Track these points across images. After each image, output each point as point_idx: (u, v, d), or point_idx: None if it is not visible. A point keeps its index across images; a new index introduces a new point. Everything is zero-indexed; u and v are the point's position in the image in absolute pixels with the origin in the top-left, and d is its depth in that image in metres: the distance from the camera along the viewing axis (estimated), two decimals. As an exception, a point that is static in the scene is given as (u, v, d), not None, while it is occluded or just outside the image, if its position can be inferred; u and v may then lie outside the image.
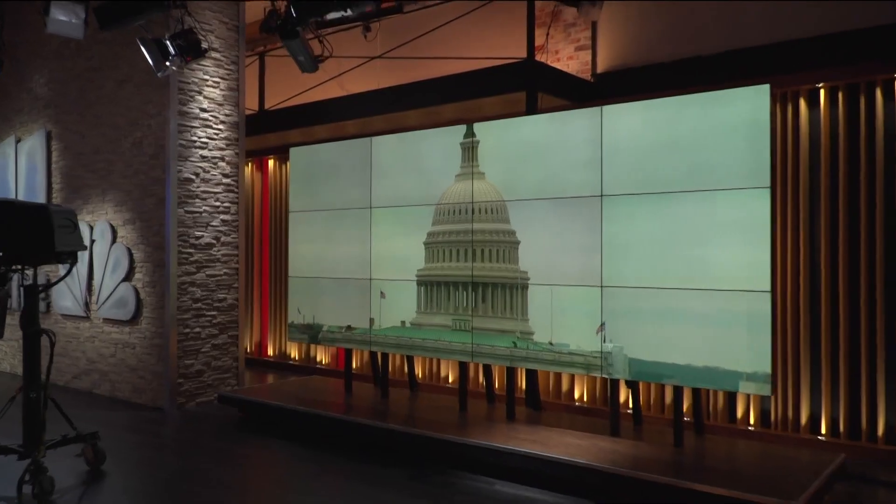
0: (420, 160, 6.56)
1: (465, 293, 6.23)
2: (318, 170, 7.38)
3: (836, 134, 5.95)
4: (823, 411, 5.95)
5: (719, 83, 5.04)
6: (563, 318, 5.63)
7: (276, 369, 9.84)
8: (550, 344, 5.69)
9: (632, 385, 5.66)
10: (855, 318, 5.85)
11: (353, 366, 8.41)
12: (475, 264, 6.15)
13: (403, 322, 6.65)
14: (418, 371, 8.33)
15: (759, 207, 4.76)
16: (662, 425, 6.16)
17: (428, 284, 6.48)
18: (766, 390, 4.74)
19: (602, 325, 5.41)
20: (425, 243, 6.49)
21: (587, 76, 7.45)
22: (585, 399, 7.13)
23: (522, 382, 7.27)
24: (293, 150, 7.70)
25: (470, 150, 6.21)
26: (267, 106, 9.58)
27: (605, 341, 5.40)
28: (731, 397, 6.39)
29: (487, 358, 6.09)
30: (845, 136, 5.90)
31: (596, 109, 5.49)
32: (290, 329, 7.65)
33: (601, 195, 5.43)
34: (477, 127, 6.19)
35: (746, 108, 4.83)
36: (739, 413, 6.34)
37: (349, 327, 7.07)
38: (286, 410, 6.63)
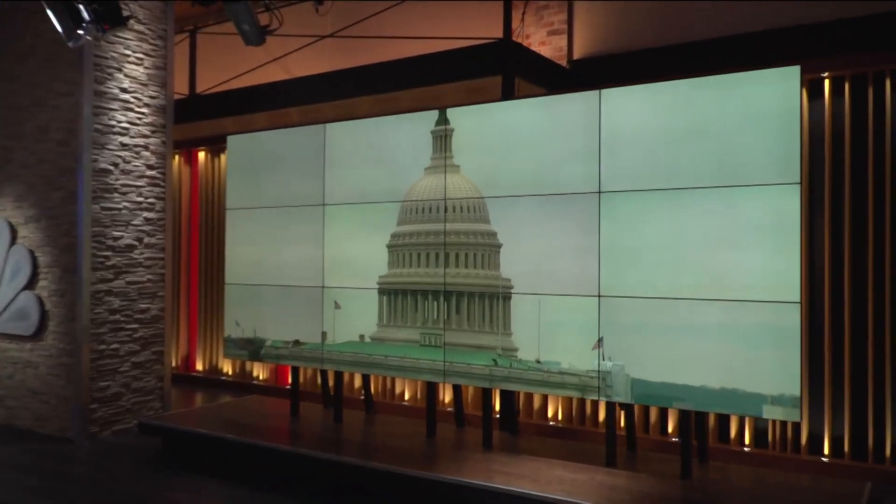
0: (383, 150, 5.72)
1: (436, 304, 5.43)
2: (261, 161, 6.43)
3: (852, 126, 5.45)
4: (826, 430, 5.42)
5: (711, 71, 4.42)
6: (552, 333, 4.90)
7: (206, 387, 8.77)
8: (538, 362, 4.95)
9: (626, 406, 4.99)
10: (861, 330, 5.35)
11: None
12: (448, 270, 5.35)
13: (362, 336, 5.79)
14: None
15: (787, 206, 4.15)
16: (657, 449, 5.51)
17: (392, 293, 5.64)
18: (794, 415, 4.13)
19: (599, 340, 4.70)
20: (389, 246, 5.66)
21: (562, 63, 6.78)
22: (560, 418, 6.43)
23: (496, 401, 6.52)
24: (231, 139, 6.72)
25: (443, 139, 5.42)
26: (199, 90, 8.53)
27: (603, 359, 4.69)
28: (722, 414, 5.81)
29: (462, 378, 5.30)
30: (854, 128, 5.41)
31: (593, 93, 4.79)
32: (226, 344, 6.66)
33: (599, 191, 4.73)
34: (451, 113, 5.40)
35: (772, 93, 4.21)
36: (733, 432, 5.76)
37: (297, 342, 6.16)
38: (220, 441, 5.66)
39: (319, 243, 6.02)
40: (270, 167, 6.37)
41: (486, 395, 5.38)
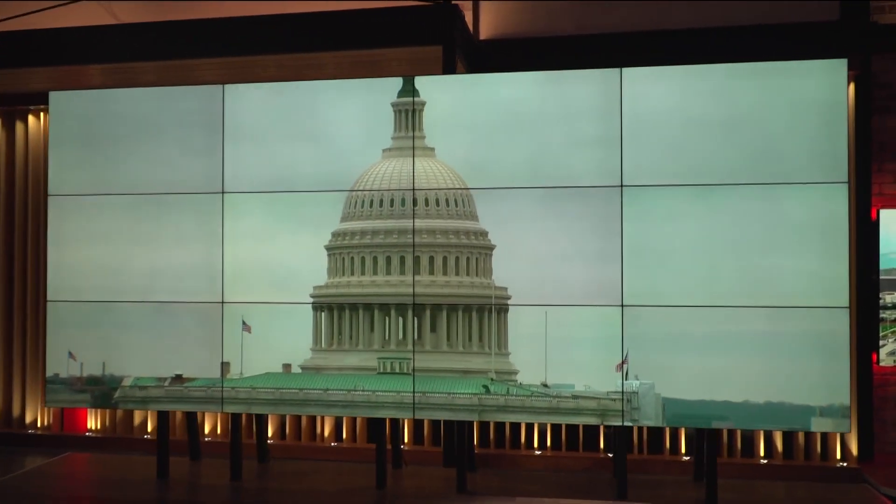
0: (317, 125, 4.42)
1: (401, 320, 4.32)
2: (111, 130, 4.62)
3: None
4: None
5: (750, 59, 4.13)
6: (562, 351, 4.15)
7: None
8: (544, 386, 4.16)
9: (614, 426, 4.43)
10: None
11: (144, 426, 5.68)
12: (420, 278, 4.29)
13: (288, 366, 4.42)
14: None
15: (834, 206, 3.95)
16: (652, 469, 5.01)
17: (334, 309, 4.39)
18: (844, 426, 3.96)
19: (624, 356, 4.08)
20: (329, 248, 4.40)
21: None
22: (536, 444, 5.57)
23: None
24: (54, 96, 4.74)
25: (408, 114, 4.33)
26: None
27: (627, 378, 4.08)
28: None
29: (440, 411, 4.29)
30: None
31: (613, 72, 4.15)
32: (48, 387, 4.69)
33: (621, 185, 4.11)
34: (423, 83, 4.34)
35: (816, 85, 3.99)
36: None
37: (179, 377, 4.53)
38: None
39: (215, 243, 4.49)
40: (127, 140, 4.61)
41: (461, 426, 4.43)
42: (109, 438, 6.03)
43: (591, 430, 5.46)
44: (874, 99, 5.45)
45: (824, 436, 5.25)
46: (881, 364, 5.31)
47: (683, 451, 5.44)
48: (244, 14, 5.63)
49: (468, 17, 6.01)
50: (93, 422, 6.14)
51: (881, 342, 5.31)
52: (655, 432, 5.37)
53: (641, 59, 4.85)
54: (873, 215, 5.19)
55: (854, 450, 5.23)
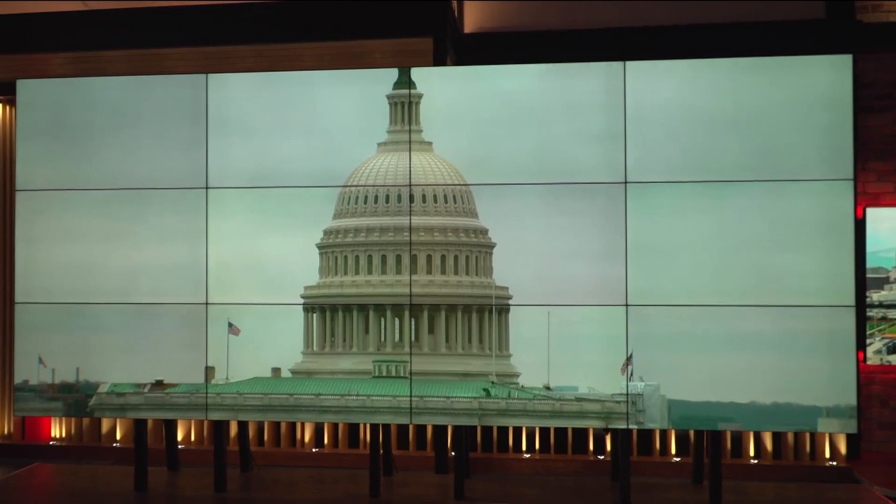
0: (307, 117, 4.21)
1: (397, 321, 4.15)
2: (84, 120, 4.34)
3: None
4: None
5: (754, 53, 4.08)
6: (566, 352, 4.03)
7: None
8: (547, 388, 4.04)
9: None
10: None
11: (113, 434, 5.41)
12: (417, 278, 4.12)
13: (277, 370, 4.21)
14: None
15: (839, 203, 3.91)
16: (643, 471, 4.93)
17: (327, 310, 4.19)
18: (851, 427, 3.91)
19: (629, 357, 3.98)
20: (321, 246, 4.19)
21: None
22: (525, 447, 5.43)
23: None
24: (22, 85, 4.43)
25: (405, 107, 4.15)
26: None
27: (632, 379, 3.98)
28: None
29: (439, 416, 4.12)
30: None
31: (616, 65, 4.04)
32: (17, 394, 4.38)
33: (625, 181, 4.01)
34: (419, 74, 4.16)
35: (823, 80, 3.94)
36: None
37: (159, 383, 4.27)
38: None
39: (198, 241, 4.25)
40: (103, 132, 4.33)
41: (458, 431, 4.27)
42: (76, 447, 5.72)
43: (580, 432, 5.37)
44: (858, 98, 5.47)
45: (813, 434, 5.25)
46: (867, 362, 5.34)
47: (674, 451, 5.40)
48: (222, 1, 5.41)
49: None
50: (57, 430, 5.81)
51: (868, 340, 5.34)
52: (645, 432, 5.30)
53: (627, 54, 4.77)
54: (859, 213, 5.21)
55: (843, 449, 5.25)
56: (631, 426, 3.99)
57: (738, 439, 5.33)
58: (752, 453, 5.29)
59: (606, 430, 4.45)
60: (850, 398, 3.87)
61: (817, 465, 5.25)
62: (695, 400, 3.95)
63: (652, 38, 5.45)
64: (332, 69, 4.83)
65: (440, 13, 4.92)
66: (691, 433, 4.67)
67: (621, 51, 4.98)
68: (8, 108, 5.76)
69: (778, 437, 5.28)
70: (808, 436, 5.23)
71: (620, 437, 4.15)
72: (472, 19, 5.59)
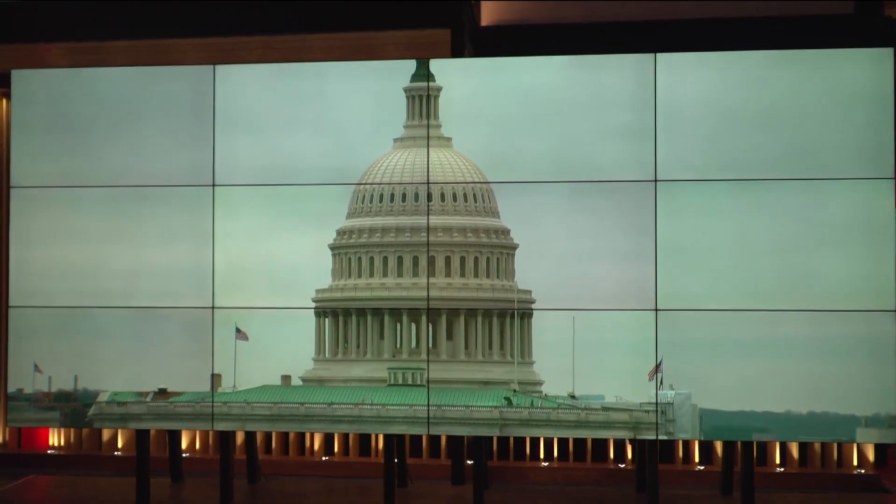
0: (320, 111, 4.00)
1: (414, 326, 3.94)
2: (84, 114, 4.12)
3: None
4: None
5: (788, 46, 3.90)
6: (592, 359, 3.84)
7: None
8: (572, 397, 3.84)
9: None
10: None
11: (114, 442, 5.19)
12: (435, 280, 3.92)
13: (288, 378, 4.00)
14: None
15: (879, 203, 3.73)
16: (665, 481, 4.72)
17: (340, 314, 3.98)
18: (891, 437, 3.73)
19: (658, 364, 3.79)
20: (333, 247, 3.99)
21: (462, 29, 5.64)
22: (542, 455, 5.23)
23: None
24: (18, 76, 4.20)
25: (422, 101, 3.95)
26: None
27: (661, 387, 3.79)
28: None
29: (458, 426, 3.92)
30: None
31: (647, 57, 3.85)
32: (11, 404, 4.16)
33: (655, 179, 3.81)
34: (438, 66, 3.96)
35: (861, 75, 3.75)
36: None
37: (162, 391, 4.06)
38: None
39: (205, 242, 4.03)
40: (104, 126, 4.11)
41: (477, 441, 4.07)
42: (74, 456, 5.49)
43: (600, 439, 5.18)
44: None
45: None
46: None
47: (697, 459, 5.21)
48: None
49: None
50: (55, 438, 5.58)
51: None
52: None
53: (648, 48, 4.59)
54: (895, 214, 5.03)
55: (871, 456, 5.07)
56: (661, 437, 3.79)
57: (764, 446, 5.14)
58: (777, 461, 5.10)
59: (633, 440, 4.25)
60: (890, 407, 3.69)
61: (844, 473, 5.07)
62: (728, 409, 3.76)
63: (673, 33, 5.26)
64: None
65: (457, 3, 4.72)
66: (718, 441, 4.49)
67: (643, 45, 4.79)
68: (4, 101, 5.53)
69: (805, 444, 5.09)
70: (835, 443, 5.05)
71: (648, 447, 3.96)
72: (490, 11, 5.39)
